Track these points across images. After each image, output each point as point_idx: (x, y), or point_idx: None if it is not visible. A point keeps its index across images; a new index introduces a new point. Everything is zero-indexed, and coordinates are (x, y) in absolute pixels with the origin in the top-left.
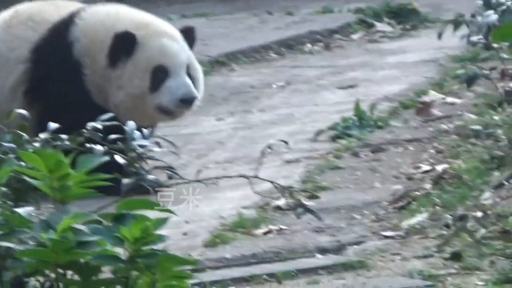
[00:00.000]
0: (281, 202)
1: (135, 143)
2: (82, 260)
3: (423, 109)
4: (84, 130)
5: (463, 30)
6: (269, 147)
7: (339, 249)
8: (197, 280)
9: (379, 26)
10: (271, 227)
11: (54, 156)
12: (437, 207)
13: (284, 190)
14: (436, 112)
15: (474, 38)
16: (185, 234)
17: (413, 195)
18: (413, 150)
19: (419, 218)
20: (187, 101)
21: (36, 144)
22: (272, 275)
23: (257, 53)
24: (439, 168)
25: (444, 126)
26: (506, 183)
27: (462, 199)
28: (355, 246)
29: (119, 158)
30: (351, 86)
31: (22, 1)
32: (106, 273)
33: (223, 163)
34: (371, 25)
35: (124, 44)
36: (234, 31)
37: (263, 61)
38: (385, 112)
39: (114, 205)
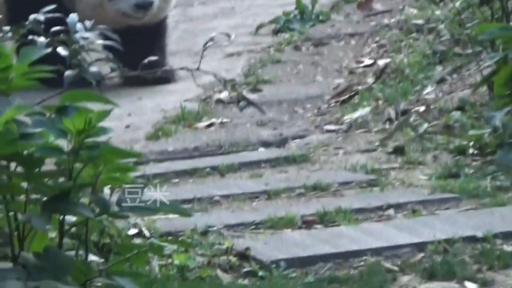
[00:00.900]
0: (223, 95)
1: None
2: (25, 152)
3: (365, 3)
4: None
5: None
6: (212, 39)
7: (281, 142)
8: (140, 173)
9: None
10: (214, 120)
11: None
12: (380, 101)
13: (226, 83)
14: (377, 6)
15: None
16: (128, 126)
17: (355, 89)
18: (355, 44)
19: (362, 112)
20: (141, 6)
21: None
22: (215, 168)
23: None
24: (381, 62)
25: (386, 21)
26: (448, 77)
27: (404, 93)
28: (297, 140)
29: (61, 50)
30: None
31: None
32: (49, 165)
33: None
34: None
35: None
36: None
37: None
38: (326, 6)
39: (57, 97)
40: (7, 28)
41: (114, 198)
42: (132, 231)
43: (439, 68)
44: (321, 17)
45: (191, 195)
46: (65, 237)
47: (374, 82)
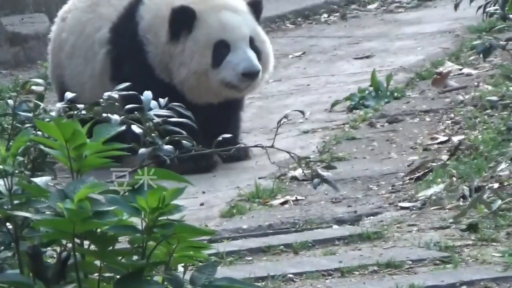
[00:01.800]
0: (298, 172)
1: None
2: (98, 230)
3: (440, 79)
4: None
5: (480, 0)
6: (286, 117)
7: (355, 219)
8: (213, 251)
9: None
10: (288, 197)
11: (70, 126)
12: (454, 178)
13: (301, 160)
14: (452, 83)
15: (491, 9)
16: (202, 204)
17: (430, 166)
18: (429, 121)
19: (436, 189)
20: (248, 75)
21: (53, 114)
22: (288, 246)
23: (273, 23)
24: (456, 139)
25: (460, 97)
26: None
27: (478, 170)
28: (371, 217)
29: (135, 128)
30: (367, 57)
31: None
32: (122, 243)
33: (240, 133)
34: None
35: (183, 19)
36: None
37: (279, 31)
38: (401, 82)
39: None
40: (80, 105)
41: (188, 276)
42: None
43: None
44: (395, 94)
45: (265, 272)
46: None
47: (448, 159)
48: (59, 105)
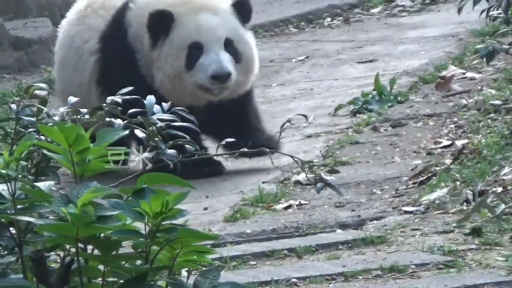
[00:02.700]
0: (301, 176)
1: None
2: (102, 235)
3: (443, 83)
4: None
5: (483, 4)
6: (289, 121)
7: (359, 224)
8: (217, 255)
9: (399, 0)
10: (292, 202)
11: (74, 130)
12: (457, 182)
13: (304, 164)
14: (455, 87)
15: (494, 13)
16: (205, 209)
17: (433, 170)
18: (433, 125)
19: (439, 193)
20: (217, 78)
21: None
22: (292, 250)
23: (277, 27)
24: (459, 143)
25: (464, 101)
26: None
27: (482, 174)
28: (375, 221)
29: (139, 132)
30: (370, 61)
31: None
32: (126, 247)
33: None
34: None
35: (160, 23)
36: (254, 5)
37: (282, 35)
38: (405, 86)
39: (134, 179)
40: (84, 110)
41: (191, 280)
42: None
43: None
44: (399, 98)
45: (269, 277)
46: None
47: (452, 163)
48: (62, 109)
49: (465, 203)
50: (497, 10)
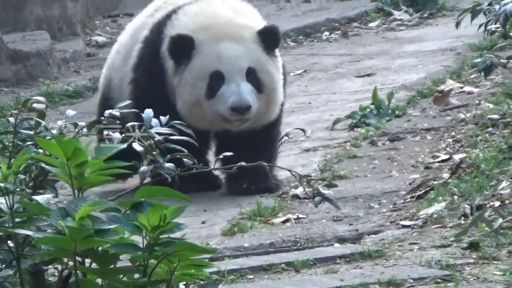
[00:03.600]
0: (299, 190)
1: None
2: (100, 248)
3: (441, 98)
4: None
5: (481, 19)
6: (287, 135)
7: (357, 238)
8: (215, 269)
9: (397, 14)
10: (289, 215)
11: (72, 144)
12: (455, 197)
13: (302, 178)
14: (453, 101)
15: (492, 27)
16: (203, 222)
17: (431, 184)
18: (430, 139)
19: (437, 207)
20: (237, 110)
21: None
22: (290, 264)
23: None
24: (457, 157)
25: (461, 115)
26: None
27: (480, 188)
28: (373, 235)
29: (137, 146)
30: (368, 75)
31: None
32: (124, 261)
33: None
34: (389, 13)
35: (181, 48)
36: None
37: (281, 49)
38: (402, 100)
39: (132, 193)
40: (82, 124)
41: None
42: None
43: None
44: (397, 112)
45: None
46: None
47: (449, 177)
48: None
49: (462, 217)
50: (495, 24)
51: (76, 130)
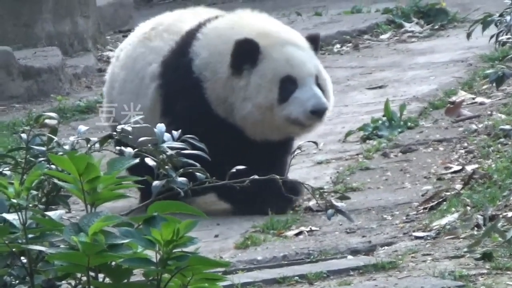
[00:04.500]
0: (312, 203)
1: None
2: (113, 263)
3: (453, 109)
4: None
5: (492, 29)
6: (299, 148)
7: (370, 250)
8: (228, 282)
9: (408, 26)
10: (302, 228)
11: (84, 159)
12: (468, 207)
13: (315, 191)
14: (465, 112)
15: (503, 38)
16: (216, 236)
17: (444, 195)
18: (443, 150)
19: (450, 218)
20: (317, 113)
21: (66, 147)
22: (303, 277)
23: None
24: (469, 168)
25: (473, 126)
26: None
27: (492, 199)
28: (386, 247)
29: (149, 161)
30: (380, 87)
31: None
32: (137, 275)
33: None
34: (400, 25)
35: (247, 53)
36: None
37: None
38: (414, 112)
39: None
40: (94, 139)
41: None
42: None
43: None
44: (409, 124)
45: None
46: None
47: (462, 188)
48: (72, 138)
49: (475, 228)
50: (506, 35)
51: (89, 145)
